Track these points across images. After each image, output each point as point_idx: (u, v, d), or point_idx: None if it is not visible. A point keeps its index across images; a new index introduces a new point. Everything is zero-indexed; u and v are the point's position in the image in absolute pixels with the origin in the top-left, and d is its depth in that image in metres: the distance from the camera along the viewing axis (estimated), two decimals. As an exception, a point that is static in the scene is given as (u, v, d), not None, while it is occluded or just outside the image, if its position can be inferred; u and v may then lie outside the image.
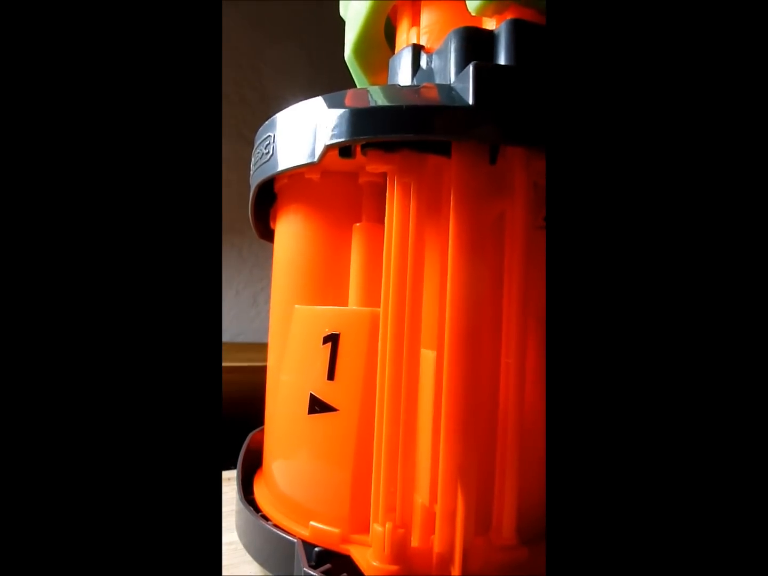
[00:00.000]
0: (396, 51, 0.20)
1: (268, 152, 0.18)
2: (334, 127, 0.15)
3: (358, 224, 0.18)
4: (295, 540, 0.17)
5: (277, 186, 0.20)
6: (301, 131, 0.16)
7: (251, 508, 0.19)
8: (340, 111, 0.15)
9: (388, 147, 0.15)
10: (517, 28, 0.16)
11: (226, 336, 0.67)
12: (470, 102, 0.14)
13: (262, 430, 0.21)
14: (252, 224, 0.22)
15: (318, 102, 0.16)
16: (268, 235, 0.22)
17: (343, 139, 0.15)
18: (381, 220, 0.16)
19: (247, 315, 0.71)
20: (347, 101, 0.15)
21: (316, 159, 0.16)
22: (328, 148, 0.15)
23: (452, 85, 0.15)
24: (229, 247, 0.68)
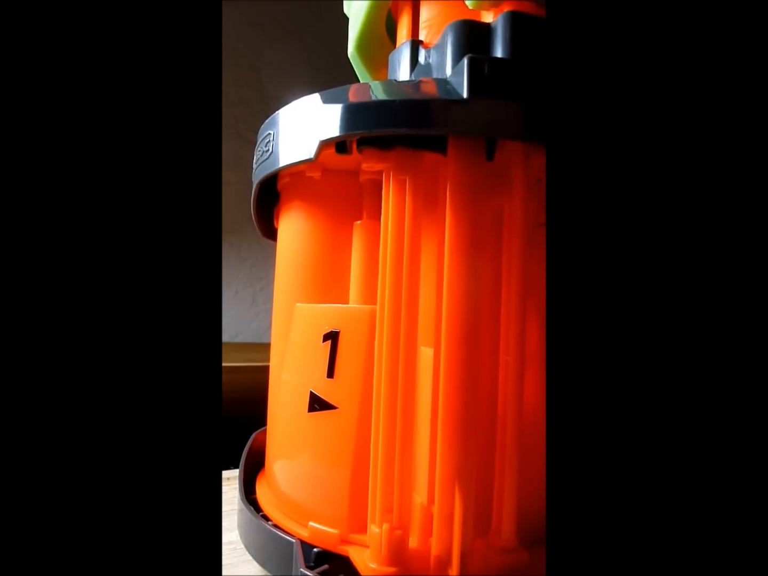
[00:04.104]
0: (396, 47, 0.20)
1: (268, 150, 0.18)
2: (329, 123, 0.15)
3: (358, 222, 0.18)
4: (294, 540, 0.16)
5: (280, 184, 0.20)
6: (299, 128, 0.16)
7: (252, 508, 0.19)
8: (333, 106, 0.15)
9: (383, 144, 0.15)
10: (514, 20, 0.16)
11: (225, 336, 0.67)
12: (464, 95, 0.13)
13: (265, 431, 0.21)
14: (255, 223, 0.22)
15: (315, 98, 0.16)
16: (271, 234, 0.22)
17: (336, 135, 0.15)
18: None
19: (246, 315, 0.71)
20: (343, 97, 0.15)
21: (312, 156, 0.15)
22: (323, 144, 0.15)
23: (448, 79, 0.15)
24: (229, 247, 0.68)
